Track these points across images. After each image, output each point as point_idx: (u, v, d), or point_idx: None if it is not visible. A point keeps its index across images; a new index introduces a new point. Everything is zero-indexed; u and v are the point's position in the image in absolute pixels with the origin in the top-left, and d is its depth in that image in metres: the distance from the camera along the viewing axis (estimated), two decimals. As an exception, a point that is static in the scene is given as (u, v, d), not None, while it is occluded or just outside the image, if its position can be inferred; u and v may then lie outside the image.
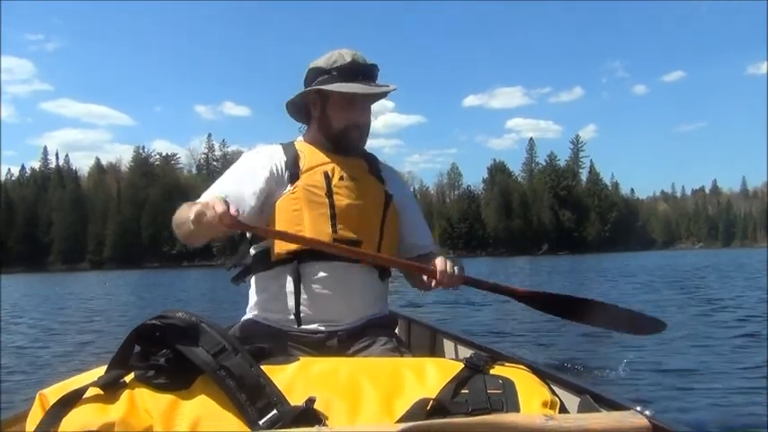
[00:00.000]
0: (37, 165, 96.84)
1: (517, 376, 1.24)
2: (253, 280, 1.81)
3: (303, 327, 1.69)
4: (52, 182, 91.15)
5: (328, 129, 1.82)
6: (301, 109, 1.91)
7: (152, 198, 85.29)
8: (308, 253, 1.69)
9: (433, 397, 1.17)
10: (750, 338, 7.19)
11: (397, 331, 1.91)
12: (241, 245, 1.86)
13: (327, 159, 1.79)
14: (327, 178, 1.75)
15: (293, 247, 1.68)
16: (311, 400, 1.14)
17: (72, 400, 1.12)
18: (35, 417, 1.13)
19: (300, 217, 1.71)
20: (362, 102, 1.82)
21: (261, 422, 1.11)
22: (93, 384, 1.14)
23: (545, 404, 1.17)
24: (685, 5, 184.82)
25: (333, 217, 1.71)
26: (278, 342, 1.63)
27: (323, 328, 1.69)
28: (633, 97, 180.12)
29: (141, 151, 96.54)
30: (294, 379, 1.21)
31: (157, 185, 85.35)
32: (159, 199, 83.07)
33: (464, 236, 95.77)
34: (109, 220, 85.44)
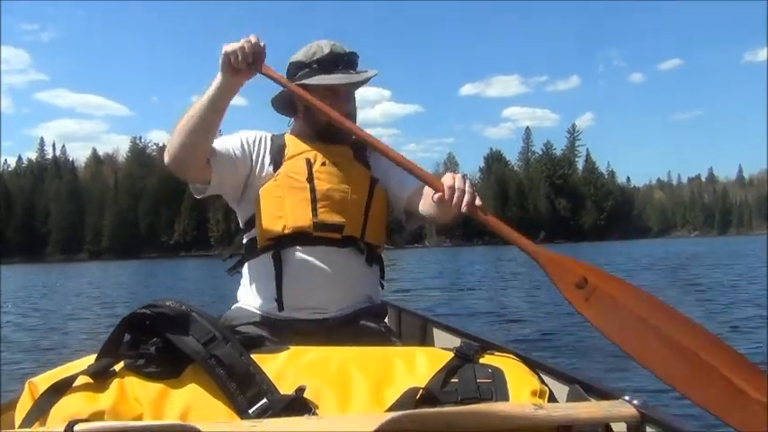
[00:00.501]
0: (33, 155, 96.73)
1: (507, 365, 1.24)
2: (244, 269, 1.82)
3: (289, 314, 1.69)
4: (49, 172, 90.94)
5: (314, 121, 1.82)
6: (287, 104, 1.91)
7: (149, 188, 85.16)
8: (290, 238, 1.69)
9: (423, 386, 1.18)
10: (743, 323, 7.26)
11: (387, 320, 1.91)
12: (237, 235, 1.87)
13: (310, 147, 1.80)
14: (309, 164, 1.76)
15: (275, 232, 1.70)
16: (301, 389, 1.14)
17: (61, 388, 1.12)
18: (24, 405, 1.13)
19: (282, 203, 1.72)
20: (345, 91, 1.82)
21: (251, 411, 1.11)
22: (83, 373, 1.14)
23: (534, 393, 1.17)
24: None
25: (314, 201, 1.71)
26: (265, 330, 1.64)
27: (309, 316, 1.69)
28: (630, 85, 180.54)
29: (138, 142, 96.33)
30: (284, 368, 1.21)
31: (154, 176, 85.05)
32: (156, 189, 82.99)
33: (461, 225, 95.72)
34: (106, 211, 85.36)
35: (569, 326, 6.91)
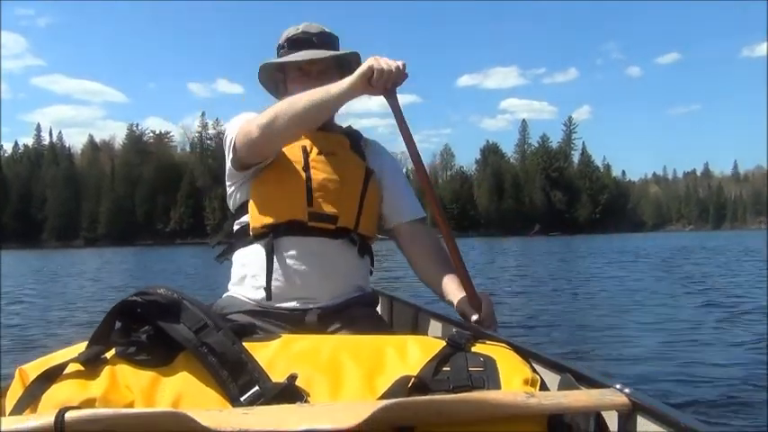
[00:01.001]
0: (30, 141, 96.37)
1: (498, 354, 1.24)
2: (234, 257, 1.79)
3: (281, 304, 1.67)
4: (46, 159, 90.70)
5: None
6: (278, 87, 1.91)
7: (146, 176, 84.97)
8: (285, 227, 1.68)
9: (415, 374, 1.17)
10: (734, 315, 7.31)
11: (378, 309, 1.90)
12: (226, 222, 1.86)
13: (306, 135, 1.77)
14: (305, 153, 1.73)
15: (269, 221, 1.68)
16: (293, 377, 1.14)
17: (52, 375, 1.11)
18: (15, 392, 1.13)
19: (277, 191, 1.70)
20: (318, 71, 1.79)
21: (242, 398, 1.11)
22: (74, 360, 1.13)
23: (526, 382, 1.17)
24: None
25: (309, 191, 1.70)
26: (257, 319, 1.63)
27: (301, 306, 1.67)
28: (627, 79, 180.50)
29: (135, 129, 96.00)
30: (276, 356, 1.21)
31: (151, 163, 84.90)
32: (153, 177, 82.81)
33: (456, 217, 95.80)
34: (103, 198, 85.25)
35: (560, 314, 6.95)
